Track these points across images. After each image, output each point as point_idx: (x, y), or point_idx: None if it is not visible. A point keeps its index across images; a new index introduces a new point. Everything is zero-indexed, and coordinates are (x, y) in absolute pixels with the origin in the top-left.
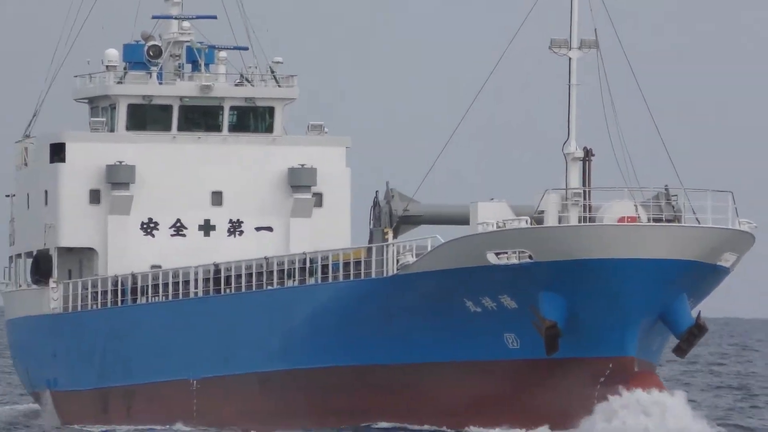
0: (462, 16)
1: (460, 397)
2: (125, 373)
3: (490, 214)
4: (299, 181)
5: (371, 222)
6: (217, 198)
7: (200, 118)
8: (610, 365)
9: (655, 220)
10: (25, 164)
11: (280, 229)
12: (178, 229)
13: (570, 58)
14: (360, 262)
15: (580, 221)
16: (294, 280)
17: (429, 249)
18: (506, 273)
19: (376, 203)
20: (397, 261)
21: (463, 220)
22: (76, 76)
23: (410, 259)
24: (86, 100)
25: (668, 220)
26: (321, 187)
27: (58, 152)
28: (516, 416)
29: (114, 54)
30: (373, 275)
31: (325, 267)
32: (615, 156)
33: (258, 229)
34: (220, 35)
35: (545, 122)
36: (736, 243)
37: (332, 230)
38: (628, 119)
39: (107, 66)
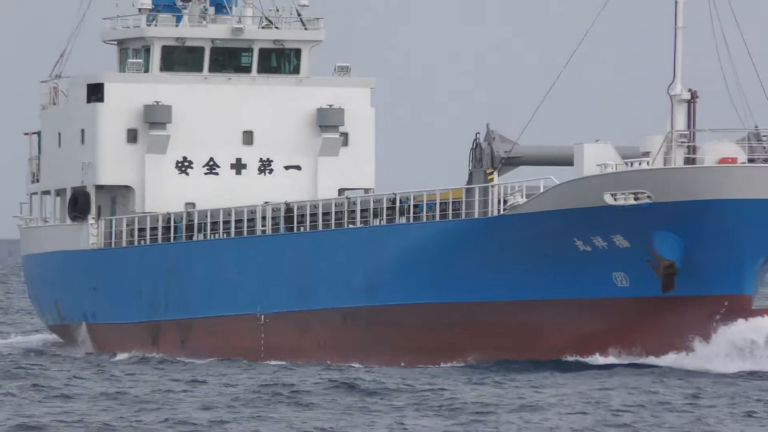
0: None
1: (566, 334)
2: (181, 307)
3: (596, 156)
4: (327, 120)
5: (471, 163)
6: (248, 137)
7: (229, 59)
8: (726, 303)
9: (750, 160)
10: (54, 103)
11: (308, 167)
12: (211, 167)
13: (676, 2)
14: (454, 202)
15: (685, 163)
16: (381, 219)
17: (541, 190)
18: (622, 213)
19: (477, 145)
20: (505, 201)
21: (565, 162)
22: (104, 18)
23: (520, 199)
24: (115, 42)
25: (754, 161)
26: (347, 126)
27: (96, 92)
28: (626, 348)
29: None
30: (476, 215)
31: (414, 207)
32: (730, 95)
33: (287, 167)
34: None
35: (645, 65)
36: None
37: (358, 169)
38: (737, 59)
39: (140, 9)
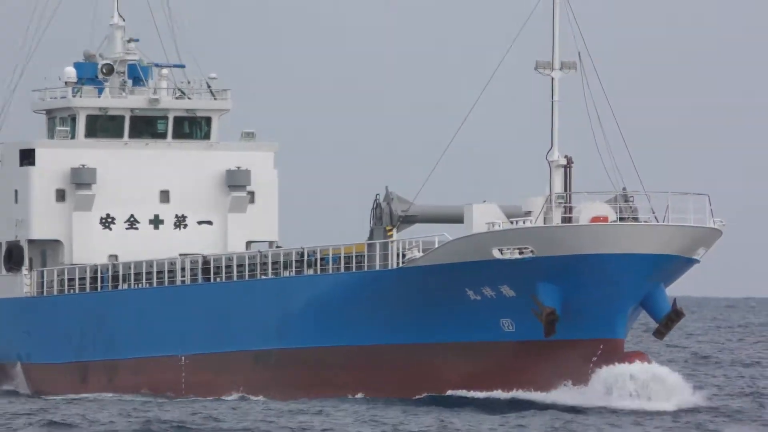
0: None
1: (457, 373)
2: (108, 349)
3: (483, 215)
4: (235, 181)
5: (372, 221)
6: (164, 196)
7: (146, 126)
8: (602, 346)
9: (621, 219)
10: None
11: (219, 222)
12: (132, 223)
13: (552, 78)
14: (357, 256)
15: (563, 221)
16: (290, 271)
17: (436, 245)
18: (508, 266)
19: (377, 204)
20: (403, 255)
21: (456, 220)
22: (34, 90)
23: (417, 253)
24: (44, 112)
25: (624, 219)
26: (254, 186)
27: (27, 157)
28: (510, 385)
29: (72, 72)
30: (378, 268)
31: (321, 260)
32: (603, 162)
33: (200, 222)
34: (152, 53)
35: (525, 133)
36: (709, 239)
37: (263, 224)
38: (606, 128)
39: (66, 82)
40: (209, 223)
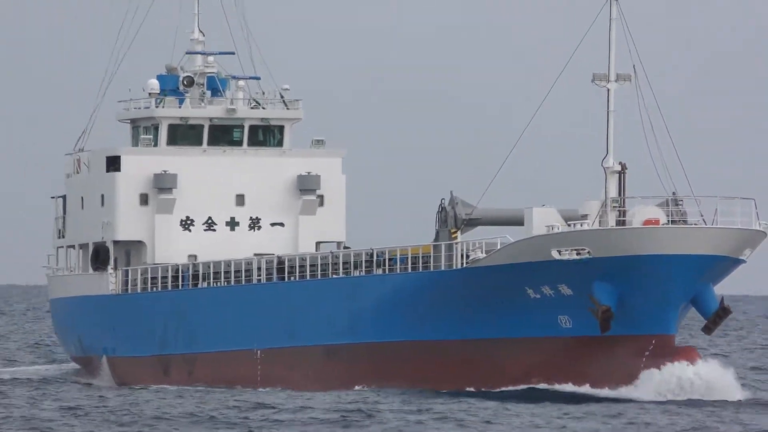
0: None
1: (518, 367)
2: (188, 343)
3: (543, 218)
4: (306, 185)
5: (437, 224)
6: (240, 199)
7: (223, 135)
8: (654, 341)
9: (673, 222)
10: (77, 172)
11: (291, 224)
12: (210, 225)
13: (608, 89)
14: (422, 256)
15: (617, 224)
16: (360, 271)
17: (498, 246)
18: (566, 266)
19: (442, 208)
20: (467, 256)
21: (517, 222)
22: (119, 101)
23: (480, 254)
24: (128, 121)
25: (674, 222)
26: (323, 190)
27: (114, 163)
28: (568, 379)
29: (155, 84)
30: (443, 268)
31: (389, 260)
32: (656, 169)
33: (273, 224)
34: (230, 66)
35: (582, 141)
36: (755, 240)
37: (332, 226)
38: (658, 135)
39: (149, 93)
40: (281, 225)
